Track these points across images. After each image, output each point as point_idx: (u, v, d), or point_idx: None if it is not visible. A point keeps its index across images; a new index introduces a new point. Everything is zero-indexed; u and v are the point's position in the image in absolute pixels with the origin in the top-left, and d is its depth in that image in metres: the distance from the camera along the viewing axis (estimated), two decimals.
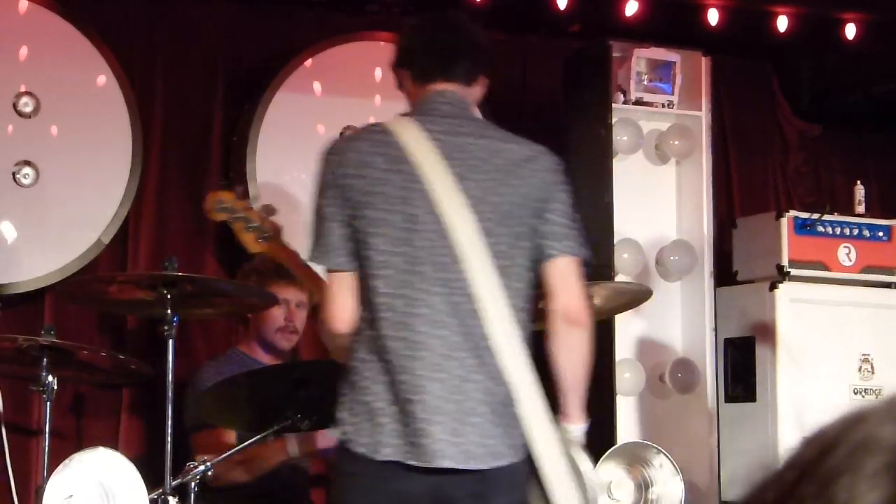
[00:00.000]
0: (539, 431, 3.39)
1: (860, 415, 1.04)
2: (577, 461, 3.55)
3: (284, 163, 6.41)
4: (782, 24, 6.98)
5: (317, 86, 6.54)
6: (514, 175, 3.57)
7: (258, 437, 4.71)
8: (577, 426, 3.61)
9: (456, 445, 3.34)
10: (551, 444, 3.45)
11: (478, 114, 3.82)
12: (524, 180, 3.56)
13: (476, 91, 3.75)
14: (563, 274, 3.49)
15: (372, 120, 6.55)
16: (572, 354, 3.60)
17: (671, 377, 6.66)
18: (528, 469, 3.45)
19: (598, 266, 6.26)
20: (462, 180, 3.48)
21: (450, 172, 3.47)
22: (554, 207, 3.59)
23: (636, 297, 5.55)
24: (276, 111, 6.37)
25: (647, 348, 6.72)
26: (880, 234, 6.96)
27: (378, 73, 6.55)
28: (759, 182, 7.66)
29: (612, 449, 5.70)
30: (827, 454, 1.03)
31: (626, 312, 5.93)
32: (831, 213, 6.90)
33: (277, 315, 5.44)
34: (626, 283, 6.27)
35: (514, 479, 3.41)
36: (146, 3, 6.41)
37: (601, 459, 5.52)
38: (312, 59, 6.49)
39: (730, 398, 6.70)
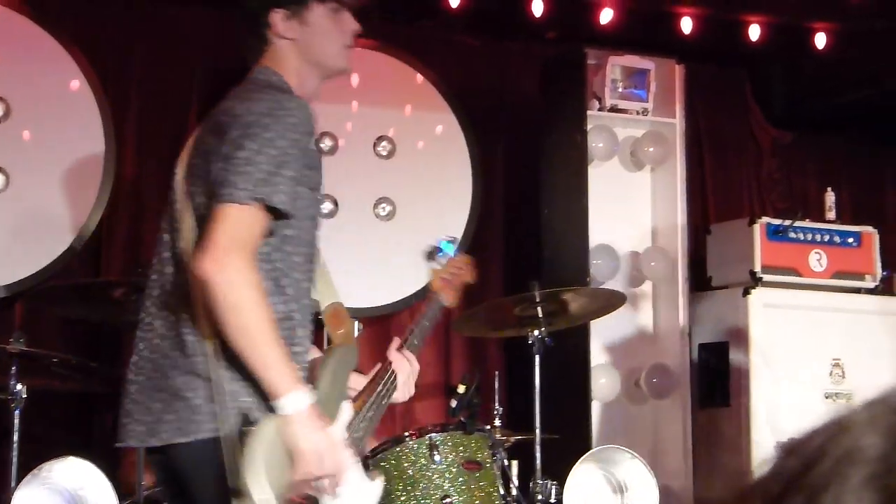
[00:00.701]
0: (222, 410, 3.02)
1: (842, 424, 1.03)
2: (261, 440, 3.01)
3: None
4: (755, 32, 6.95)
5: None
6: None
7: None
8: (279, 401, 2.95)
9: (138, 423, 3.09)
10: (228, 423, 2.97)
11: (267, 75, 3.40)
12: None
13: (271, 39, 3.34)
14: (207, 224, 3.01)
15: (349, 126, 6.49)
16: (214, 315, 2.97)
17: (646, 382, 6.61)
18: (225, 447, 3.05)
19: (573, 271, 6.21)
20: None
21: None
22: (218, 152, 3.08)
23: (610, 302, 5.50)
24: None
25: (623, 354, 6.67)
26: (851, 240, 6.93)
27: (355, 79, 6.47)
28: (732, 188, 7.63)
29: (587, 454, 5.64)
30: (812, 466, 1.02)
31: (601, 318, 5.86)
32: (803, 219, 6.87)
33: None
34: (601, 288, 6.20)
35: (198, 457, 3.01)
36: (121, 8, 6.30)
37: (577, 464, 5.46)
38: None
39: (704, 403, 6.64)
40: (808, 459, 1.03)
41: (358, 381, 3.58)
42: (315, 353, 3.40)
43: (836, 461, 1.01)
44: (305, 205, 3.17)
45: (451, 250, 4.04)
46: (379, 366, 3.65)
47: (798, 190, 7.79)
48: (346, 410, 3.35)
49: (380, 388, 3.59)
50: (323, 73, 3.38)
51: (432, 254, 4.05)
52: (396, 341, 3.71)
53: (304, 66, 3.33)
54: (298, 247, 3.19)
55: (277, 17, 3.31)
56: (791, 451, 1.05)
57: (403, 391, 3.64)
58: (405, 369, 3.64)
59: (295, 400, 2.96)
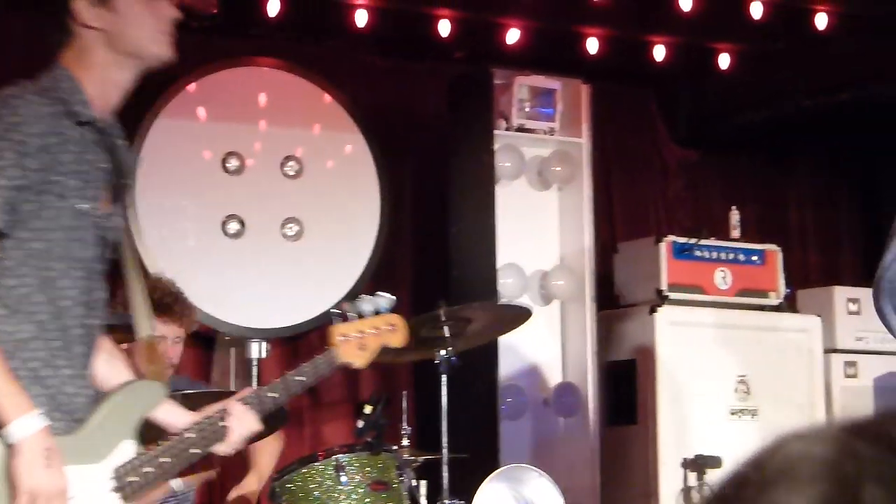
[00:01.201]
0: None
1: (765, 483, 1.02)
2: None
3: (168, 189, 6.27)
4: (659, 53, 7.04)
5: (201, 111, 6.42)
6: None
7: None
8: (6, 428, 2.83)
9: None
10: None
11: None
12: None
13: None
14: None
15: (257, 146, 6.47)
16: None
17: (554, 401, 6.65)
18: None
19: (481, 291, 6.24)
20: None
21: None
22: None
23: (516, 318, 5.50)
24: (158, 137, 6.24)
25: (531, 372, 6.70)
26: (755, 258, 7.04)
27: (263, 98, 6.46)
28: (639, 207, 7.71)
29: (494, 473, 5.66)
30: None
31: (509, 337, 5.90)
32: (708, 237, 6.95)
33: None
34: (505, 304, 6.22)
35: None
36: (24, 26, 6.23)
37: (485, 482, 5.47)
38: (196, 83, 6.38)
39: (612, 421, 6.70)
40: None
41: (183, 419, 3.27)
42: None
43: None
44: (54, 214, 2.94)
45: (372, 308, 3.68)
46: (210, 410, 3.28)
47: (704, 208, 7.88)
48: (127, 451, 3.12)
49: (192, 435, 3.21)
50: (139, 64, 3.11)
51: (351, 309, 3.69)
52: (247, 390, 3.39)
53: (116, 57, 3.07)
54: (51, 261, 2.96)
55: (81, 5, 3.05)
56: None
57: (229, 445, 3.26)
58: (243, 426, 3.25)
59: (21, 427, 2.82)
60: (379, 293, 3.62)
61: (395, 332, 3.62)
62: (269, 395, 3.31)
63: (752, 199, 8.01)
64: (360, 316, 3.53)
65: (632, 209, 7.69)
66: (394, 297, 3.63)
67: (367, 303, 3.55)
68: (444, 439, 5.21)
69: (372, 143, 6.73)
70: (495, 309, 5.80)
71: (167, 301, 5.01)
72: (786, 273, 7.19)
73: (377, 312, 3.55)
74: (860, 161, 8.24)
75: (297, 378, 3.37)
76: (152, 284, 4.93)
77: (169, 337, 5.20)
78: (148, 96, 6.31)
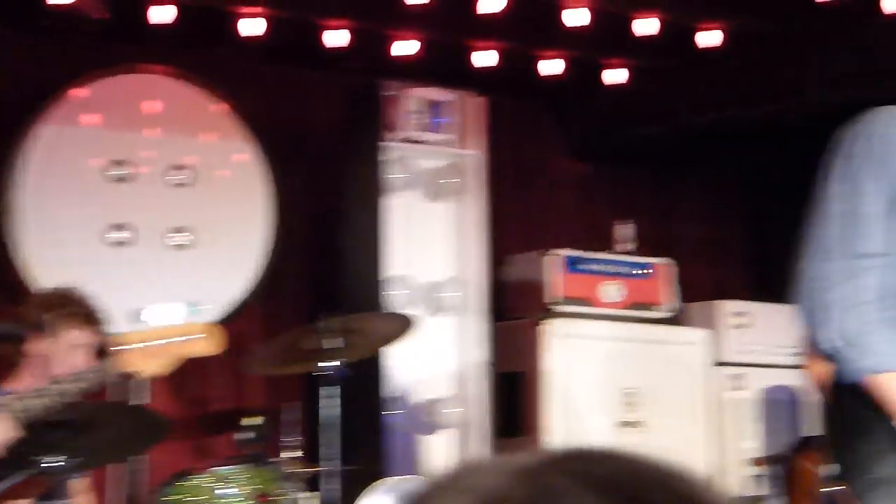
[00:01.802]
0: None
1: None
2: None
3: (53, 197, 6.21)
4: (552, 66, 7.11)
5: (88, 118, 6.37)
6: None
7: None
8: None
9: None
10: None
11: None
12: None
13: None
14: None
15: (145, 154, 6.43)
16: None
17: (444, 412, 6.68)
18: None
19: (369, 302, 6.27)
20: None
21: None
22: None
23: (400, 327, 5.50)
24: (43, 144, 6.17)
25: (420, 383, 6.73)
26: (645, 270, 7.14)
27: (152, 105, 6.44)
28: (532, 219, 7.78)
29: (379, 482, 5.67)
30: None
31: (399, 348, 5.91)
32: (598, 250, 7.03)
33: (64, 355, 5.17)
34: (390, 313, 6.22)
35: None
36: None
37: (367, 494, 5.49)
38: (83, 89, 6.32)
39: (501, 432, 6.75)
40: None
41: None
42: None
43: None
44: None
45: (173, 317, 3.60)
46: None
47: (596, 221, 7.96)
48: None
49: None
50: None
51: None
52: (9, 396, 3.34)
53: None
54: None
55: None
56: None
57: None
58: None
59: None
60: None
61: (200, 341, 3.65)
62: (34, 400, 3.29)
63: (642, 212, 8.10)
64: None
65: (524, 221, 7.75)
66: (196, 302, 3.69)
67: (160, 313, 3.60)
68: (339, 451, 5.21)
69: (263, 153, 6.72)
70: (376, 318, 5.81)
71: (84, 310, 4.95)
72: (675, 286, 7.30)
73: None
74: (749, 176, 8.38)
75: (67, 385, 3.41)
76: (66, 294, 4.86)
77: (85, 345, 5.14)
78: (32, 104, 6.26)
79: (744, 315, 7.45)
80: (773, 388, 7.29)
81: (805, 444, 5.70)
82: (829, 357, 3.04)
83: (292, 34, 6.64)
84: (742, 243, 8.45)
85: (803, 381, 5.05)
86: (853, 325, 2.97)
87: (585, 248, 7.07)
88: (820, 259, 3.03)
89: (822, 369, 3.15)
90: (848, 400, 3.02)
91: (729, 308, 7.46)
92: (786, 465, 5.72)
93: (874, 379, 2.96)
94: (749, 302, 7.52)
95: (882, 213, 3.04)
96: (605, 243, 7.35)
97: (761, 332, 7.35)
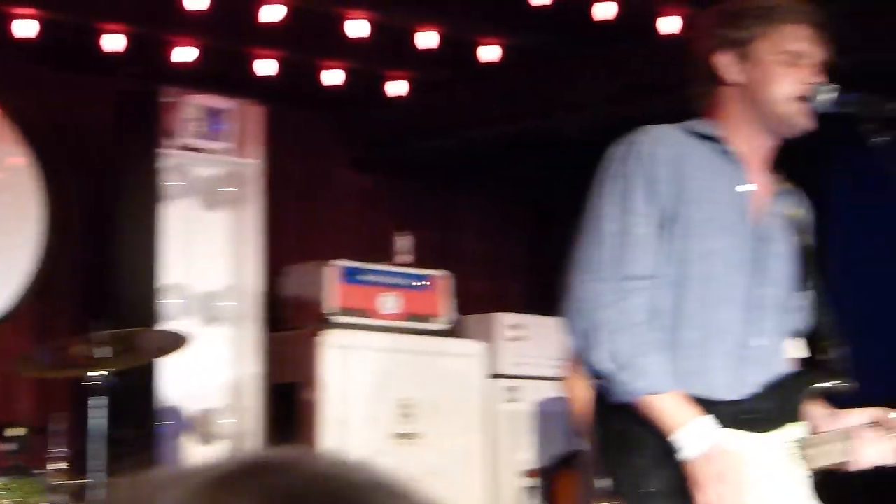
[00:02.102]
0: None
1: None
2: None
3: None
4: (334, 77, 7.13)
5: None
6: None
7: None
8: None
9: None
10: None
11: None
12: None
13: None
14: None
15: None
16: None
17: (218, 423, 6.63)
18: None
19: (143, 311, 6.18)
20: None
21: None
22: None
23: (172, 343, 5.44)
24: None
25: (195, 394, 6.66)
26: (422, 282, 7.21)
27: None
28: (312, 230, 7.78)
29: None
30: None
31: (172, 359, 5.84)
32: (377, 261, 7.08)
33: None
34: (164, 330, 6.15)
35: None
36: None
37: None
38: None
39: (275, 444, 6.71)
40: None
41: None
42: None
43: None
44: None
45: None
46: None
47: (376, 233, 8.01)
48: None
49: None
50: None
51: None
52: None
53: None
54: None
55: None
56: None
57: None
58: None
59: None
60: None
61: None
62: None
63: (424, 224, 8.18)
64: None
65: (305, 232, 7.75)
66: None
67: None
68: (93, 462, 5.12)
69: (38, 157, 6.58)
70: (154, 333, 5.75)
71: None
72: (454, 299, 7.38)
73: None
74: (530, 190, 8.53)
75: None
76: None
77: None
78: None
79: (520, 328, 7.57)
80: (547, 401, 7.42)
81: (570, 458, 5.81)
82: (600, 378, 3.07)
83: (68, 37, 6.52)
84: (521, 256, 8.59)
85: (563, 394, 5.15)
86: (624, 347, 3.00)
87: (366, 260, 7.10)
88: (590, 279, 3.05)
89: (581, 384, 3.22)
90: (618, 417, 3.06)
91: (505, 321, 7.57)
92: (550, 478, 5.83)
93: (646, 400, 3.01)
94: (526, 315, 7.65)
95: (652, 234, 3.08)
96: (386, 255, 7.40)
97: (537, 345, 7.48)
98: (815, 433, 3.20)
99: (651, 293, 3.08)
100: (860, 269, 7.54)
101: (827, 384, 3.25)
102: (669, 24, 6.38)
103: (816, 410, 3.27)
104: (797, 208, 3.33)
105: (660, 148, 3.14)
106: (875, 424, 3.23)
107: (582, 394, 3.26)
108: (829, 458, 3.19)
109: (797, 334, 3.36)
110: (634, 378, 3.00)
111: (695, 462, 2.98)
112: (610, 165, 3.15)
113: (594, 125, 6.86)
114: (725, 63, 3.25)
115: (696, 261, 3.12)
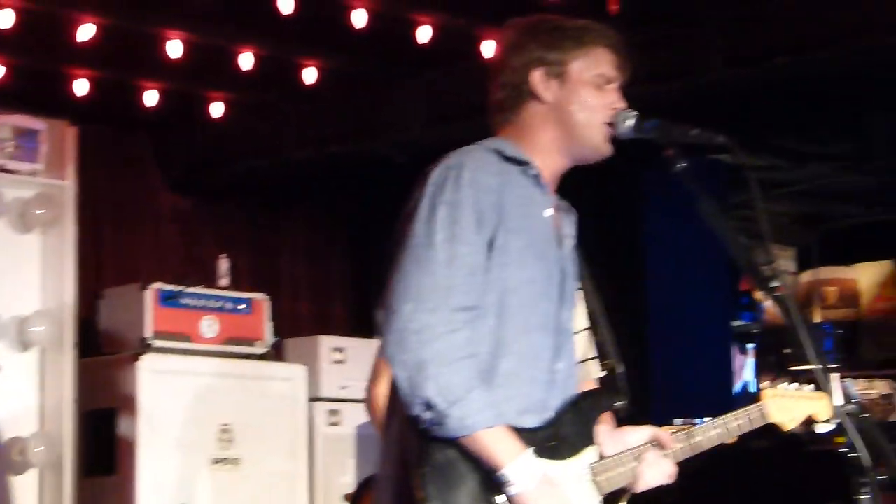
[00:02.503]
0: None
1: None
2: None
3: None
4: (151, 98, 7.06)
5: None
6: None
7: None
8: None
9: None
10: None
11: None
12: None
13: None
14: None
15: None
16: None
17: (30, 451, 6.45)
18: None
19: None
20: None
21: None
22: None
23: None
24: None
25: (5, 422, 6.47)
26: (243, 306, 7.14)
27: None
28: (130, 253, 7.68)
29: None
30: None
31: None
32: (196, 285, 6.99)
33: None
34: None
35: None
36: None
37: None
38: None
39: (89, 471, 6.59)
40: None
41: None
42: None
43: None
44: None
45: None
46: None
47: (196, 256, 7.93)
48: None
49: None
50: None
51: None
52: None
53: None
54: None
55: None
56: None
57: None
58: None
59: None
60: None
61: None
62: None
63: (245, 247, 8.14)
64: None
65: (122, 255, 7.62)
66: None
67: None
68: None
69: None
70: None
71: None
72: (276, 322, 7.33)
73: None
74: (351, 213, 8.54)
75: None
76: None
77: None
78: None
79: (342, 351, 7.55)
80: (367, 424, 7.40)
81: (369, 482, 5.78)
82: (428, 413, 2.92)
83: None
84: (344, 278, 8.59)
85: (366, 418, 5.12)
86: (454, 382, 2.90)
87: (186, 284, 7.00)
88: (418, 309, 2.92)
89: (381, 403, 3.15)
90: (439, 449, 2.96)
91: (327, 343, 7.55)
92: (356, 502, 5.81)
93: (475, 436, 2.92)
94: (349, 337, 7.64)
95: (480, 265, 3.02)
96: (207, 278, 7.31)
97: (360, 367, 7.41)
98: (604, 456, 3.22)
99: (479, 325, 3.02)
100: (671, 291, 7.71)
101: (615, 404, 3.28)
102: (490, 48, 6.44)
103: (600, 431, 3.29)
104: (574, 227, 3.36)
105: (483, 176, 3.06)
106: (656, 443, 3.28)
107: (381, 413, 3.21)
108: (619, 481, 3.22)
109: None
110: (465, 414, 2.90)
111: (524, 497, 2.95)
112: (433, 190, 3.04)
113: (414, 148, 6.90)
114: (539, 81, 3.24)
115: (516, 289, 3.07)
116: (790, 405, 3.53)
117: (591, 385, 3.37)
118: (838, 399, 2.95)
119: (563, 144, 3.23)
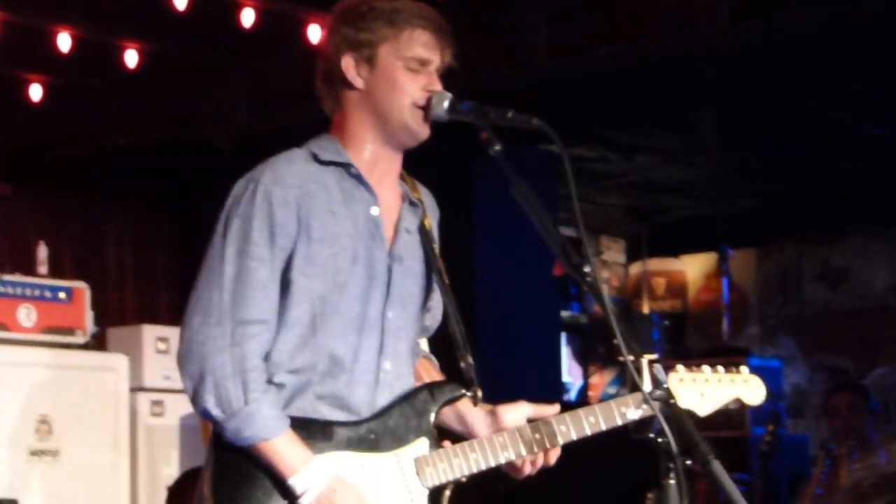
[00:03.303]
0: None
1: None
2: None
3: None
4: None
5: None
6: None
7: None
8: None
9: None
10: None
11: None
12: None
13: None
14: None
15: None
16: None
17: None
18: None
19: None
20: None
21: None
22: None
23: None
24: None
25: None
26: (62, 294, 6.92)
27: None
28: None
29: None
30: None
31: None
32: (13, 272, 6.75)
33: None
34: None
35: None
36: None
37: None
38: None
39: None
40: None
41: None
42: None
43: None
44: None
45: None
46: None
47: (16, 244, 7.69)
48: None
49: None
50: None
51: None
52: None
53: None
54: None
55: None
56: None
57: None
58: None
59: None
60: None
61: None
62: None
63: (70, 236, 7.94)
64: None
65: None
66: None
67: None
68: None
69: None
70: None
71: None
72: (98, 311, 7.12)
73: None
74: (178, 201, 8.37)
75: None
76: None
77: None
78: None
79: (166, 340, 7.38)
80: (190, 415, 7.25)
81: (191, 476, 5.65)
82: (212, 423, 2.99)
83: None
84: (169, 268, 8.44)
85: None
86: (233, 394, 2.93)
87: (5, 272, 6.76)
88: (204, 322, 2.95)
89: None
90: (233, 450, 3.00)
91: (151, 333, 7.38)
92: (176, 494, 5.69)
93: (259, 446, 2.96)
94: (173, 327, 7.46)
95: (272, 279, 2.99)
96: (27, 266, 7.08)
97: None
98: (438, 448, 3.17)
99: (267, 339, 3.00)
100: (500, 279, 7.70)
101: (456, 394, 3.23)
102: (316, 33, 6.32)
103: (474, 412, 3.25)
104: (425, 216, 3.27)
105: (279, 188, 3.02)
106: (535, 419, 3.26)
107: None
108: (442, 475, 3.16)
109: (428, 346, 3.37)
110: (244, 426, 2.94)
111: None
112: (231, 203, 3.04)
113: (240, 135, 6.77)
114: (349, 66, 3.15)
115: (327, 297, 3.05)
116: (705, 389, 3.47)
117: (436, 377, 3.36)
118: (647, 385, 2.93)
119: (381, 131, 3.16)
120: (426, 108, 3.14)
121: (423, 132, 3.18)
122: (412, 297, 3.22)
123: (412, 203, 3.25)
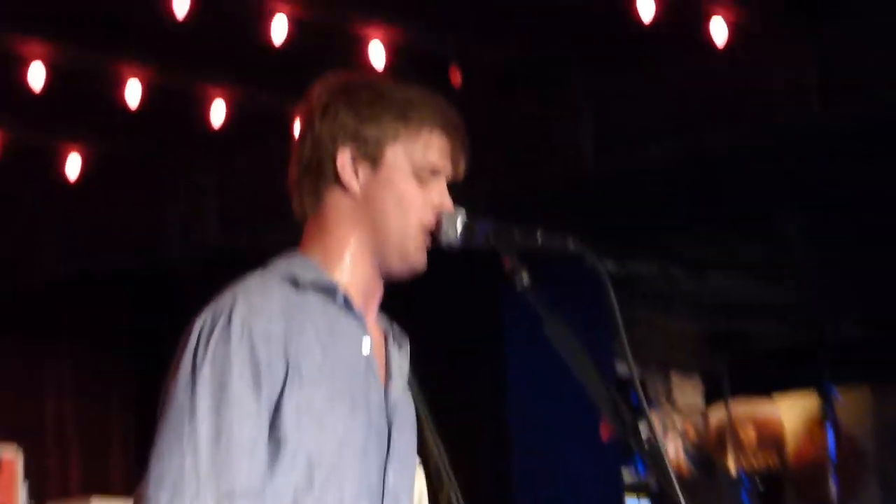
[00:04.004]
0: None
1: None
2: None
3: None
4: None
5: None
6: None
7: None
8: None
9: None
10: None
11: None
12: None
13: None
14: None
15: None
16: None
17: None
18: None
19: None
20: None
21: None
22: None
23: None
24: None
25: None
26: None
27: None
28: None
29: None
30: None
31: None
32: None
33: None
34: None
35: None
36: None
37: None
38: None
39: None
40: None
41: None
42: None
43: None
44: None
45: None
46: None
47: None
48: None
49: None
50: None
51: None
52: None
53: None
54: None
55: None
56: None
57: None
58: None
59: None
60: None
61: None
62: None
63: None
64: None
65: None
66: None
67: None
68: None
69: None
70: None
71: None
72: (34, 482, 7.15)
73: None
74: (133, 339, 8.44)
75: None
76: None
77: None
78: None
79: None
80: None
81: None
82: None
83: None
84: (122, 427, 8.48)
85: None
86: None
87: None
88: (176, 498, 2.80)
89: None
90: None
91: None
92: None
93: None
94: (127, 499, 7.49)
95: (258, 438, 2.89)
96: None
97: None
98: None
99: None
100: (542, 430, 7.68)
101: None
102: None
103: None
104: (404, 357, 3.24)
105: (260, 321, 2.90)
106: None
107: None
108: None
109: None
110: None
111: None
112: (195, 344, 2.88)
113: (207, 254, 6.82)
114: (345, 162, 3.08)
115: (325, 456, 2.98)
116: None
117: None
118: None
119: (371, 251, 3.08)
120: (434, 232, 3.09)
121: (420, 263, 3.13)
122: (409, 455, 3.20)
123: (396, 336, 3.22)
